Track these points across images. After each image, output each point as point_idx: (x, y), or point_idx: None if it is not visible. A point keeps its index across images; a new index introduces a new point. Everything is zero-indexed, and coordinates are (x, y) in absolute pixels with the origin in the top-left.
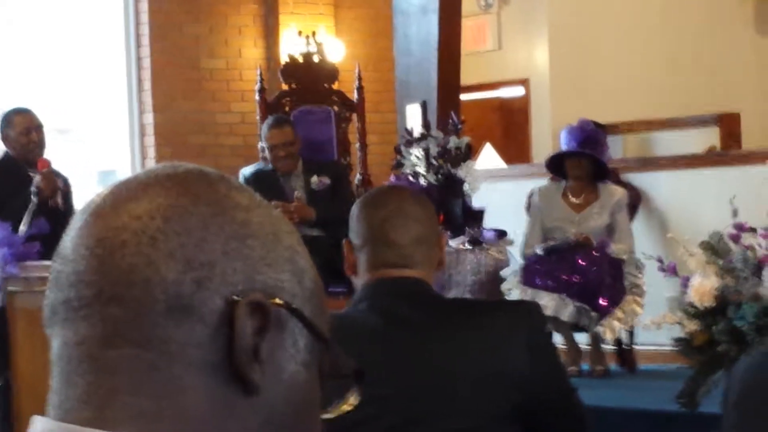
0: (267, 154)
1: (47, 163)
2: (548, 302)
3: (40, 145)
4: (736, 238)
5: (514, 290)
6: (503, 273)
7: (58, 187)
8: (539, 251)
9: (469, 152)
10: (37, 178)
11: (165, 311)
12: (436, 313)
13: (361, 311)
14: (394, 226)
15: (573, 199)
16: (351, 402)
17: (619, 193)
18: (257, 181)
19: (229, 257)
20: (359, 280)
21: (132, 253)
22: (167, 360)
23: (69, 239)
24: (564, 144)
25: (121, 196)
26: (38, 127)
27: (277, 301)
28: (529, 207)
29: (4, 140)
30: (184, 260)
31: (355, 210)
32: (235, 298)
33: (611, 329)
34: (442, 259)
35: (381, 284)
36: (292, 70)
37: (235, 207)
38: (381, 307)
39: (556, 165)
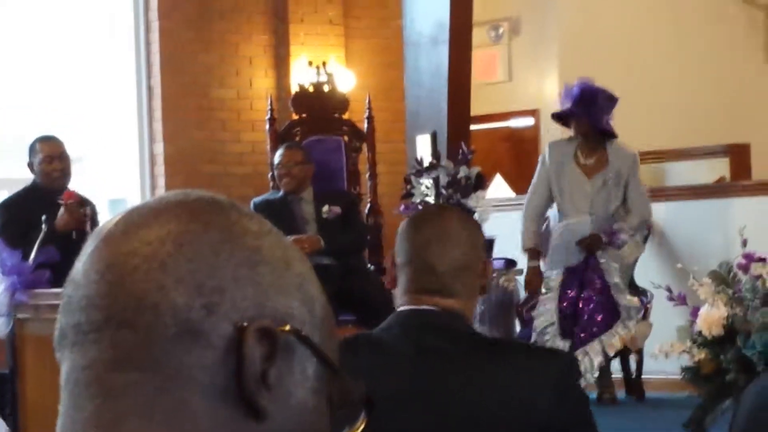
0: (275, 173)
1: (72, 195)
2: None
3: (63, 173)
4: (745, 268)
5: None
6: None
7: (83, 219)
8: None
9: (482, 182)
10: (61, 211)
11: (174, 336)
12: (467, 349)
13: (393, 336)
14: (435, 252)
15: (584, 161)
16: (359, 429)
17: (629, 156)
18: (267, 208)
19: (239, 283)
20: (397, 296)
21: (142, 278)
22: (175, 385)
23: (80, 264)
24: (561, 103)
25: (133, 222)
26: (61, 156)
27: (286, 327)
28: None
29: (30, 168)
30: (195, 286)
31: (401, 228)
32: (244, 324)
33: (611, 345)
34: (485, 287)
35: (415, 315)
36: (303, 99)
37: (245, 234)
38: (413, 336)
39: (564, 117)
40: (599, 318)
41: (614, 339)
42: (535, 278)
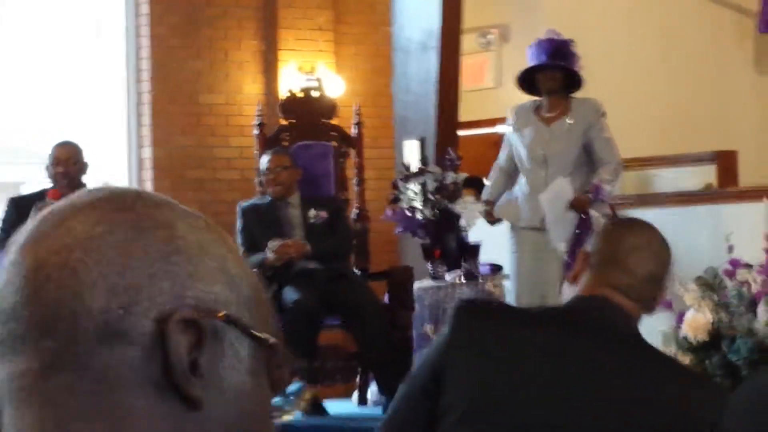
0: (263, 179)
1: (56, 194)
2: None
3: (68, 178)
4: (731, 274)
5: None
6: None
7: None
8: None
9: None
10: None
11: (95, 340)
12: (629, 350)
13: (568, 318)
14: (638, 257)
15: (545, 113)
16: (303, 405)
17: (593, 104)
18: (255, 213)
19: (154, 278)
20: (572, 291)
21: (56, 287)
22: (107, 385)
23: (1, 278)
24: (533, 58)
25: (41, 231)
26: (67, 160)
27: (211, 313)
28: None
29: (48, 172)
30: (107, 288)
31: (607, 228)
32: (164, 317)
33: None
34: (659, 301)
35: (594, 300)
36: (292, 105)
37: (156, 227)
38: (582, 321)
39: (528, 81)
40: None
41: None
42: (487, 216)
